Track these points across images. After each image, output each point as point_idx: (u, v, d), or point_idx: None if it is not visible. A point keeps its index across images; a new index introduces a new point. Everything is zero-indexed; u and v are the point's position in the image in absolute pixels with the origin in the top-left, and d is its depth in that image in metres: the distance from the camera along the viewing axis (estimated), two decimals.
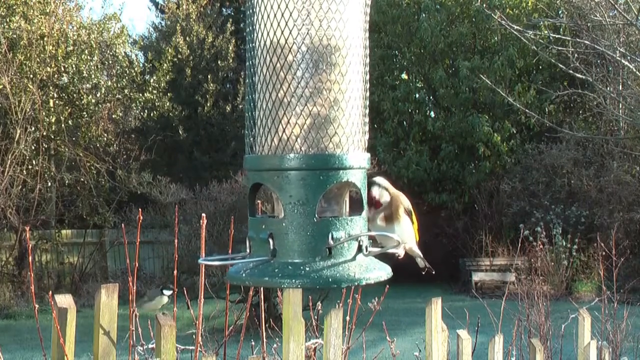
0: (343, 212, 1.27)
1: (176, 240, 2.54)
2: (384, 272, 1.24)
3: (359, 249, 1.23)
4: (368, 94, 1.28)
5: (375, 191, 1.59)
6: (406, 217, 1.58)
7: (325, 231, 1.20)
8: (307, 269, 1.18)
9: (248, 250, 1.25)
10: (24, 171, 12.70)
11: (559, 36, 11.66)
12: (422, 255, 1.69)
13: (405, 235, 1.56)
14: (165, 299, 3.92)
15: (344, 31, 1.22)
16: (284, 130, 1.21)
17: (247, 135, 1.29)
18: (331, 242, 1.19)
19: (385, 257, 1.32)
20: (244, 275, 1.21)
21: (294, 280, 1.18)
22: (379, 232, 1.48)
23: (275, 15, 1.21)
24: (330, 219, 1.22)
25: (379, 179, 1.61)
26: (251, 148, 1.27)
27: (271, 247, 1.20)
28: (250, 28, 1.27)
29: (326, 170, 1.20)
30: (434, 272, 1.72)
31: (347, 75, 1.23)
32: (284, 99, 1.22)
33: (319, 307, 2.74)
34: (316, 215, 1.20)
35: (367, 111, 1.28)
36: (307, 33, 1.21)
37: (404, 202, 1.59)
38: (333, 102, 1.22)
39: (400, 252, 1.57)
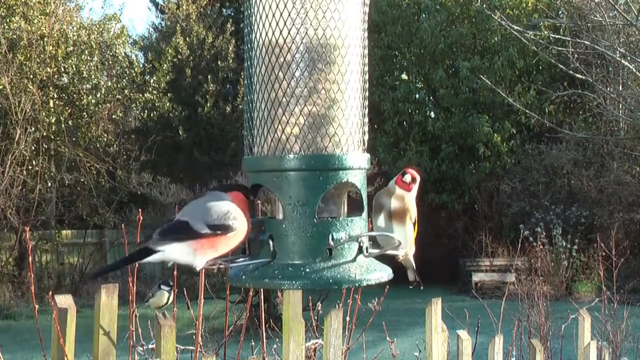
0: (341, 213, 1.26)
1: None
2: (385, 273, 1.24)
3: (360, 250, 1.22)
4: (367, 93, 1.27)
5: (407, 179, 1.54)
6: (411, 222, 1.56)
7: (325, 232, 1.19)
8: (308, 270, 1.18)
9: (248, 252, 1.25)
10: (24, 171, 12.70)
11: (559, 36, 11.64)
12: (415, 268, 1.67)
13: (408, 240, 1.55)
14: (165, 294, 3.90)
15: (343, 30, 1.21)
16: (283, 131, 1.20)
17: (246, 136, 1.28)
18: (331, 243, 1.19)
19: (384, 259, 1.32)
20: (244, 277, 1.21)
21: (294, 282, 1.17)
22: (379, 233, 1.48)
23: (273, 15, 1.20)
24: (331, 220, 1.21)
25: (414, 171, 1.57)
26: (250, 149, 1.27)
27: (271, 249, 1.19)
28: (249, 28, 1.26)
29: (326, 170, 1.19)
30: (422, 288, 1.70)
31: (346, 75, 1.22)
32: (283, 99, 1.21)
33: (319, 308, 2.74)
34: (316, 216, 1.19)
35: (367, 111, 1.28)
36: (306, 32, 1.20)
37: (414, 209, 1.57)
38: (332, 102, 1.21)
39: (400, 253, 1.56)
